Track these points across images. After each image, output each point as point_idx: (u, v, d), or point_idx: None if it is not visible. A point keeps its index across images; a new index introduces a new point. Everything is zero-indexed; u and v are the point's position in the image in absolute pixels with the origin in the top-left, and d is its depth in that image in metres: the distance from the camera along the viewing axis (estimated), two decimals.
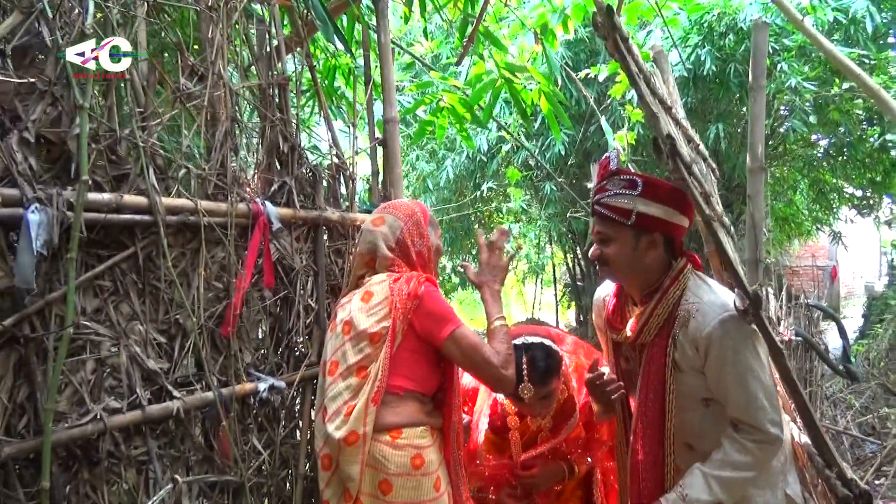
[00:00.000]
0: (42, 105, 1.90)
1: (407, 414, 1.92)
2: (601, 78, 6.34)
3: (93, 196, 1.92)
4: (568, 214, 7.04)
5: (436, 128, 5.10)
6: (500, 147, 8.44)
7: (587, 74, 6.24)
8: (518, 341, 2.19)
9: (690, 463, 1.83)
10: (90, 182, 1.92)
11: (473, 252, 10.00)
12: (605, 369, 2.08)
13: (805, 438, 2.19)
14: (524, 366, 2.15)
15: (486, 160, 8.88)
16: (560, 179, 5.96)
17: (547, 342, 2.26)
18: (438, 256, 2.15)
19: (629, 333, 1.94)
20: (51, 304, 1.86)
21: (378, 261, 2.05)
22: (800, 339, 4.92)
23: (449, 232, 9.29)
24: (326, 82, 4.04)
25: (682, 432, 1.87)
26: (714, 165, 2.27)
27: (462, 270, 2.16)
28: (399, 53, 5.79)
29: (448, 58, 7.26)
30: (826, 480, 1.91)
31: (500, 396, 2.37)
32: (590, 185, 1.99)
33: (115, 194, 1.98)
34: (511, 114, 7.79)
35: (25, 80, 1.86)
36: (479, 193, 9.08)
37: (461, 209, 9.01)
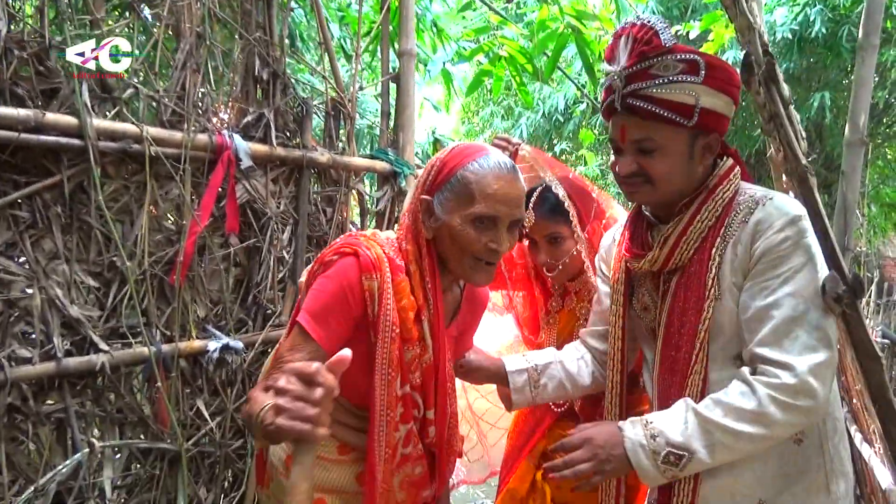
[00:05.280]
0: None
1: None
2: (692, 35, 5.68)
3: (5, 110, 1.64)
4: None
5: (493, 79, 4.66)
6: (577, 107, 7.85)
7: (677, 31, 5.58)
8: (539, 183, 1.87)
9: None
10: (8, 94, 1.65)
11: None
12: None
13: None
14: (533, 196, 1.84)
15: (562, 120, 8.32)
16: None
17: (564, 190, 1.82)
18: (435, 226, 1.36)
19: (655, 257, 1.38)
20: None
21: None
22: (887, 341, 4.15)
23: None
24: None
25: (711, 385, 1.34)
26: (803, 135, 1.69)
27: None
28: None
29: None
30: None
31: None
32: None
33: (35, 111, 1.69)
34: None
35: None
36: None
37: None
